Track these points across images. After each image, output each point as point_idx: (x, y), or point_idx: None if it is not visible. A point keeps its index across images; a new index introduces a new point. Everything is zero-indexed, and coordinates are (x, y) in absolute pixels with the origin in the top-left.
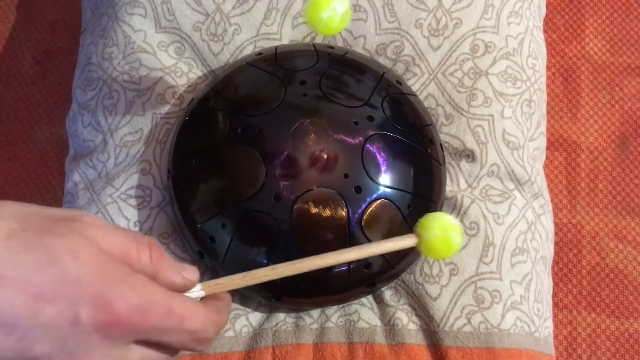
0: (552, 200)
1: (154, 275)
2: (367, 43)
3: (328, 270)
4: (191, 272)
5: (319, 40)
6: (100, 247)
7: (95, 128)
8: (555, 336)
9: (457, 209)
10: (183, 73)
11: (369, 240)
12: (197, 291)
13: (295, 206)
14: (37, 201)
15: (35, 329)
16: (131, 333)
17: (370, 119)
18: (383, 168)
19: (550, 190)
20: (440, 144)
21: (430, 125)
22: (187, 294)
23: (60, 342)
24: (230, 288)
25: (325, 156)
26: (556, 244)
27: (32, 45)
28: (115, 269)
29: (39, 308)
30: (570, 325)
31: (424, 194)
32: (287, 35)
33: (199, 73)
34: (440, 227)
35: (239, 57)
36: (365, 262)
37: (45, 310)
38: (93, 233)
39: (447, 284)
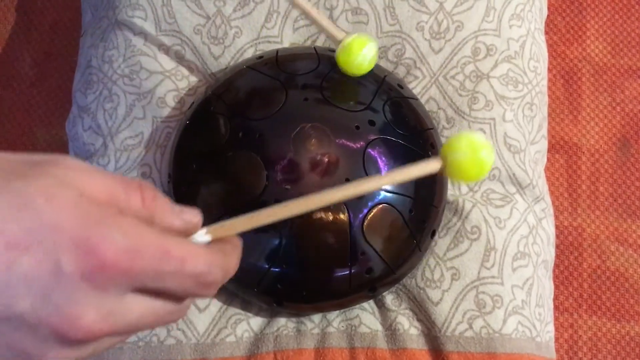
0: (553, 202)
1: (148, 219)
2: None
3: (329, 275)
4: (192, 215)
5: (320, 43)
6: (81, 190)
7: (95, 131)
8: (556, 339)
9: (458, 213)
10: (184, 76)
11: (370, 246)
12: (202, 235)
13: None
14: None
15: (13, 283)
16: (124, 280)
17: (372, 123)
18: (384, 172)
19: (551, 192)
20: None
21: (432, 129)
22: (191, 239)
23: (44, 295)
24: (239, 230)
25: (326, 161)
26: (557, 246)
27: (31, 46)
28: (99, 211)
29: (14, 258)
30: (571, 329)
31: (425, 198)
32: (288, 38)
33: (200, 76)
34: (468, 146)
35: (240, 60)
36: (367, 267)
37: (21, 261)
38: (73, 176)
39: (449, 288)
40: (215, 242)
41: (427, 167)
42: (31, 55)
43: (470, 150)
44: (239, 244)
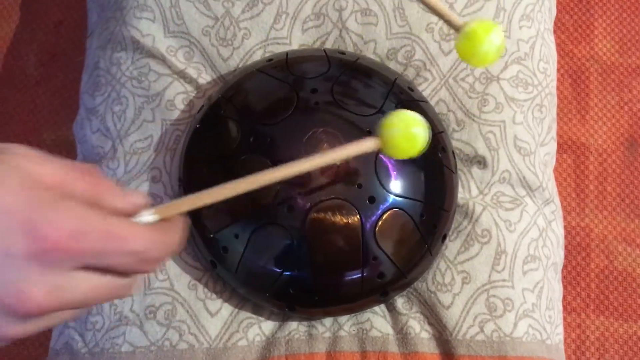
0: (560, 203)
1: (94, 202)
2: (377, 48)
3: (341, 279)
4: (136, 197)
5: (329, 44)
6: (29, 176)
7: (104, 134)
8: (564, 340)
9: (468, 217)
10: (192, 79)
11: (382, 251)
12: (148, 215)
13: (309, 217)
14: None
15: None
16: (69, 259)
17: None
18: (396, 177)
19: (559, 193)
20: (452, 151)
21: (443, 132)
22: (137, 219)
23: None
24: (184, 210)
25: (338, 166)
26: (565, 247)
27: (36, 46)
28: (45, 195)
29: None
30: (578, 329)
31: (436, 202)
32: (296, 39)
33: (209, 78)
34: (401, 122)
35: (249, 62)
36: (379, 272)
37: None
38: (21, 162)
39: (460, 292)
40: (161, 221)
41: (364, 145)
42: (36, 54)
43: (404, 126)
44: (181, 223)
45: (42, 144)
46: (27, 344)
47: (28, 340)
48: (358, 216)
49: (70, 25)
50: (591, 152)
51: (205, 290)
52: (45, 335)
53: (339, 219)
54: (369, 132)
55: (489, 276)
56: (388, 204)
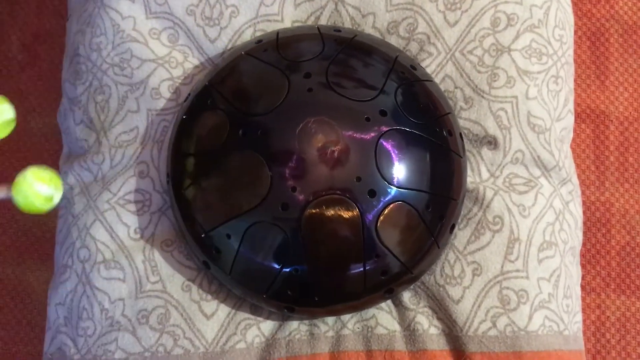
0: (579, 176)
1: None
2: (377, 21)
3: (342, 277)
4: None
5: (324, 20)
6: None
7: (87, 126)
8: (583, 321)
9: (479, 203)
10: (178, 63)
11: (386, 247)
12: None
13: (305, 214)
14: None
15: None
16: None
17: (383, 113)
18: (398, 168)
19: (577, 166)
20: (460, 133)
21: (449, 113)
22: None
23: None
24: None
25: (335, 158)
26: (583, 223)
27: (18, 28)
28: None
29: None
30: (598, 309)
31: (443, 192)
32: (289, 15)
33: (196, 62)
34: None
35: (238, 42)
36: (382, 269)
37: None
38: None
39: (470, 285)
40: None
41: None
42: (19, 37)
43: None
44: None
45: (30, 132)
46: (20, 347)
47: (20, 343)
48: (358, 212)
49: (54, 3)
50: (611, 121)
51: (200, 291)
52: (38, 339)
53: (338, 216)
54: (367, 120)
55: (502, 266)
56: (390, 197)
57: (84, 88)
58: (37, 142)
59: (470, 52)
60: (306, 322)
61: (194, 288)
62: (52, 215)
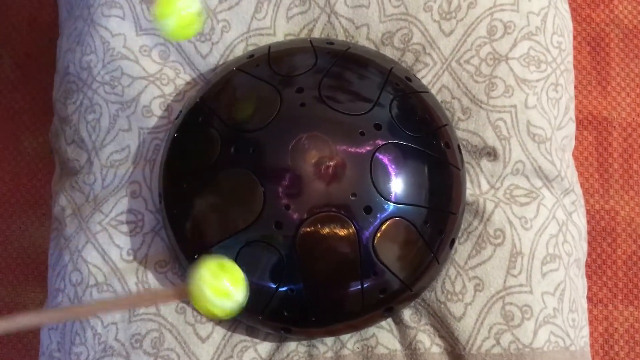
0: (582, 185)
1: None
2: (370, 32)
3: (339, 297)
4: None
5: (317, 32)
6: None
7: (79, 145)
8: (590, 334)
9: (479, 216)
10: (169, 80)
11: (383, 265)
12: None
13: (299, 233)
14: (30, 218)
15: None
16: None
17: (378, 127)
18: (395, 183)
19: (580, 174)
20: (458, 145)
21: (446, 125)
22: None
23: None
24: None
25: (329, 175)
26: (588, 233)
27: (10, 47)
28: None
29: None
30: (606, 321)
31: (441, 206)
32: (281, 29)
33: (187, 78)
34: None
35: (230, 57)
36: (380, 288)
37: None
38: None
39: (472, 301)
40: None
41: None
42: (11, 56)
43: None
44: None
45: (23, 152)
46: None
47: None
48: (354, 229)
49: (46, 21)
50: (614, 127)
51: (194, 313)
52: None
53: (333, 233)
54: (362, 134)
55: (504, 281)
56: (387, 213)
57: (74, 107)
58: (31, 161)
59: (467, 61)
60: (304, 342)
61: (189, 310)
62: (48, 236)
